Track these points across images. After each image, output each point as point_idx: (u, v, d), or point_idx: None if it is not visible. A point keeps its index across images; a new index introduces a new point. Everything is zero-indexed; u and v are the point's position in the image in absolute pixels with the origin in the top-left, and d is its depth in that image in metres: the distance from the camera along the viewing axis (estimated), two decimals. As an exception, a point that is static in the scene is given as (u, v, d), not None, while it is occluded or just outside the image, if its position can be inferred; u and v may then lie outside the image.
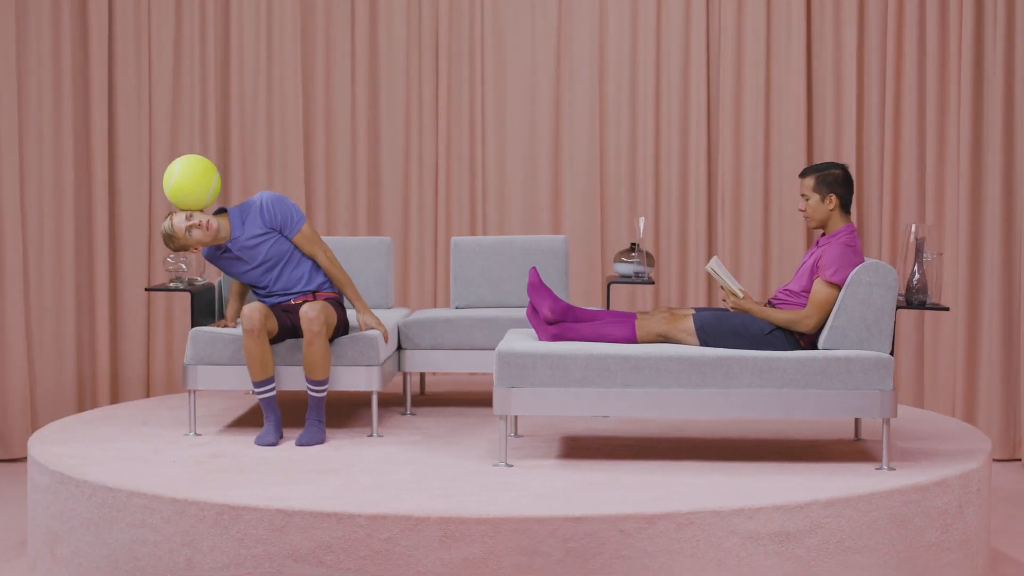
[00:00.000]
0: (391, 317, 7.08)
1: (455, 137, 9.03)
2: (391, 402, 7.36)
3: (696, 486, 5.41)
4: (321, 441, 6.21)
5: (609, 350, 5.77)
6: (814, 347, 5.91)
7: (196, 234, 6.30)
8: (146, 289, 6.76)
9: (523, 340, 5.98)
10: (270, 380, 6.26)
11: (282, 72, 8.94)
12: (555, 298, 6.05)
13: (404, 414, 7.01)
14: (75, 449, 6.07)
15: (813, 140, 8.89)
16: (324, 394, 6.28)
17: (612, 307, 7.54)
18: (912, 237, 6.08)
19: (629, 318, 6.01)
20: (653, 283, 7.22)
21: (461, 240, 7.54)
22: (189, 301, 8.52)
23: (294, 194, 8.93)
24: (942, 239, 8.63)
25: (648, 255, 7.21)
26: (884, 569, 5.29)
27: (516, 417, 6.45)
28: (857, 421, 6.42)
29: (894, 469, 5.71)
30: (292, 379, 6.39)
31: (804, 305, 5.93)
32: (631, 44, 8.97)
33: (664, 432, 6.56)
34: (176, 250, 6.39)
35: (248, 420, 6.80)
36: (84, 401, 8.78)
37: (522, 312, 7.10)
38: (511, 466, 5.79)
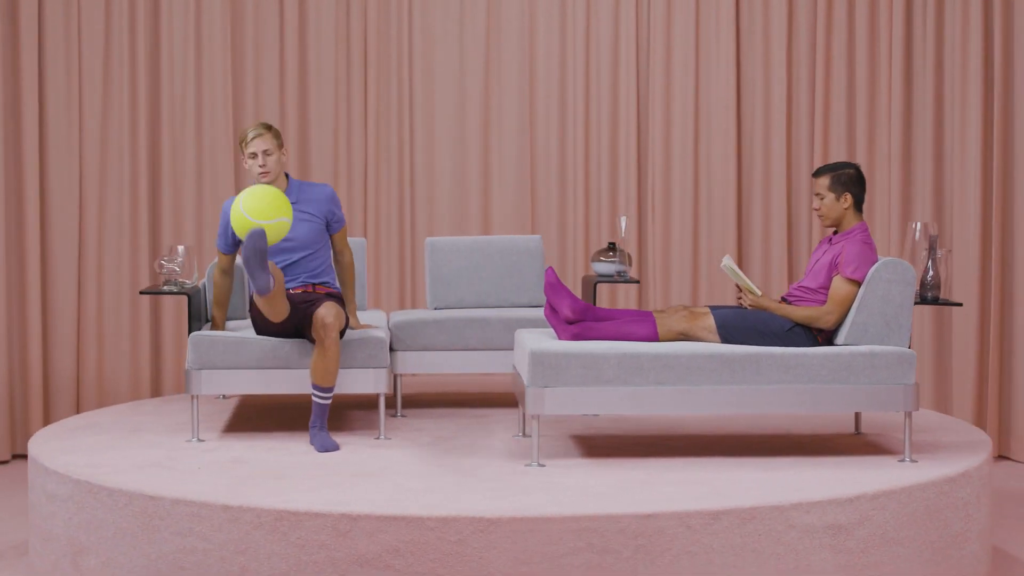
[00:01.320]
0: (374, 319, 7.03)
1: (383, 139, 8.98)
2: (368, 404, 7.29)
3: (742, 481, 5.48)
4: (337, 447, 6.12)
5: (641, 349, 5.82)
6: (830, 343, 6.04)
7: (251, 164, 6.39)
8: (141, 292, 6.60)
9: (548, 340, 5.98)
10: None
11: (211, 78, 8.81)
12: (574, 297, 6.07)
13: (395, 416, 6.97)
14: (87, 458, 5.90)
15: (742, 141, 9.04)
16: (329, 402, 6.20)
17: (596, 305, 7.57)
18: (917, 235, 6.24)
19: (647, 317, 6.06)
20: (638, 282, 7.29)
21: (437, 241, 7.51)
22: (134, 306, 8.42)
23: (225, 197, 8.79)
24: (875, 241, 8.84)
25: (628, 255, 7.27)
26: (920, 559, 5.42)
27: (525, 417, 6.46)
28: (857, 415, 6.55)
29: (916, 461, 5.85)
30: (297, 383, 6.31)
31: (821, 302, 6.04)
32: (560, 48, 9.01)
33: (666, 430, 6.63)
34: (240, 139, 6.46)
35: (242, 424, 6.70)
36: (15, 410, 8.53)
37: (516, 312, 7.10)
38: (543, 466, 5.79)
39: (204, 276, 7.01)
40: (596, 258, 7.31)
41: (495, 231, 8.95)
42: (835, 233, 6.17)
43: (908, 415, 5.89)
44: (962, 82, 8.54)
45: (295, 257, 6.45)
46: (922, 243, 6.19)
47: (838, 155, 8.88)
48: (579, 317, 6.06)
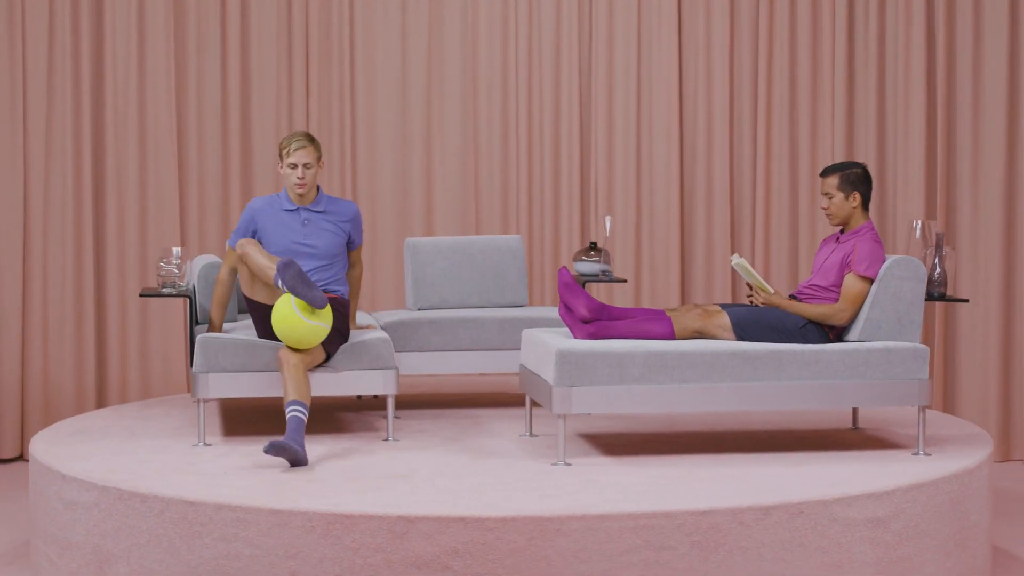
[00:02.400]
0: (364, 320, 6.97)
1: (324, 139, 8.91)
2: (354, 406, 7.24)
3: (782, 477, 5.56)
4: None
5: (666, 347, 5.87)
6: (840, 340, 6.14)
7: (288, 173, 6.44)
8: (141, 295, 6.45)
9: (568, 339, 6.00)
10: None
11: (155, 79, 8.71)
12: (589, 297, 6.10)
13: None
14: (103, 464, 5.77)
15: (684, 142, 9.11)
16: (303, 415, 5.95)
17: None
18: (917, 233, 6.37)
19: (661, 315, 6.11)
20: (625, 281, 7.34)
21: (417, 241, 7.47)
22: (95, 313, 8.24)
23: (168, 198, 8.70)
24: (815, 239, 8.99)
25: (609, 254, 7.32)
26: (946, 551, 5.54)
27: (532, 417, 6.47)
28: (855, 411, 6.68)
29: (930, 455, 5.99)
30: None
31: (833, 299, 6.15)
32: (502, 48, 9.01)
33: (665, 428, 6.68)
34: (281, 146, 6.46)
35: (240, 428, 6.60)
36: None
37: (510, 312, 7.11)
38: (569, 464, 5.81)
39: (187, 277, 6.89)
40: (578, 257, 7.35)
41: (437, 232, 8.92)
42: (842, 232, 6.28)
43: (922, 409, 6.02)
44: (905, 83, 8.76)
45: (314, 264, 6.45)
46: (922, 241, 6.33)
47: (780, 157, 9.01)
48: (595, 316, 6.09)
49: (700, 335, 6.10)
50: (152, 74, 8.71)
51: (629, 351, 5.83)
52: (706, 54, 9.05)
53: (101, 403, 8.70)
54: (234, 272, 6.53)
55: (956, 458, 5.87)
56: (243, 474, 5.63)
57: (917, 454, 6.01)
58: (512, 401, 7.38)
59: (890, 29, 8.88)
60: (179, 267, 6.42)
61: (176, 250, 6.43)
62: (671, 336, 6.05)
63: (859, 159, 8.92)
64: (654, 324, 6.06)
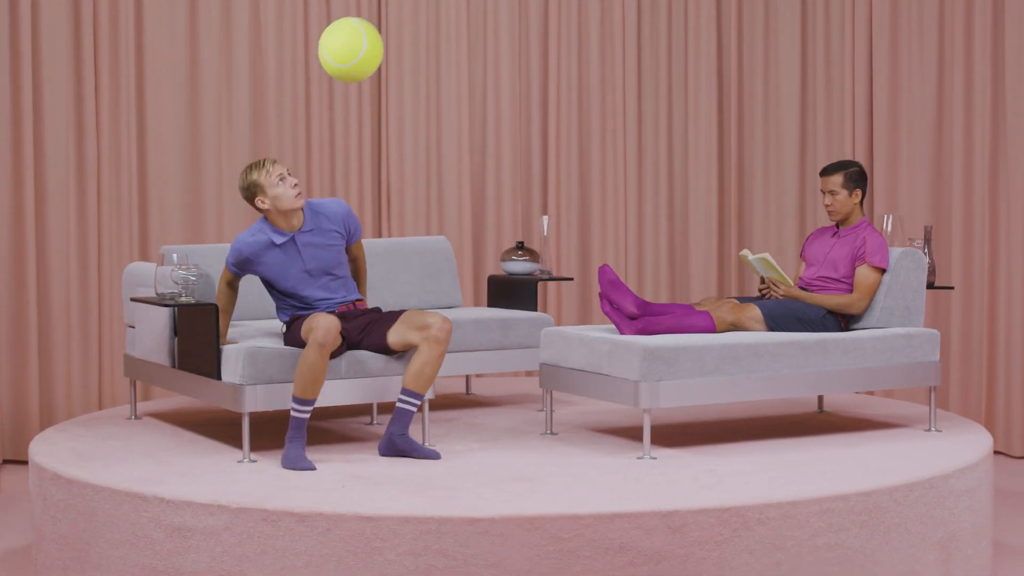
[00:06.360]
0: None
1: (114, 146, 8.48)
2: (335, 414, 6.95)
3: (873, 457, 5.85)
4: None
5: (736, 339, 6.04)
6: (849, 328, 6.50)
7: (280, 188, 5.92)
8: (164, 304, 5.91)
9: (626, 335, 6.05)
10: (314, 401, 5.80)
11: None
12: (633, 293, 6.18)
13: (369, 424, 6.68)
14: (191, 485, 5.33)
15: (473, 136, 9.19)
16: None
17: (489, 304, 7.55)
18: (889, 228, 6.80)
19: (694, 309, 6.27)
20: (572, 279, 7.40)
21: (352, 244, 7.23)
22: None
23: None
24: (605, 238, 9.30)
25: (538, 253, 7.35)
26: (990, 519, 6.01)
27: (553, 411, 6.46)
28: (820, 397, 7.05)
29: (940, 431, 6.44)
30: (352, 394, 5.98)
31: (844, 290, 6.49)
32: (291, 43, 8.87)
33: (663, 421, 6.79)
34: (244, 188, 5.95)
35: (256, 443, 6.21)
36: None
37: (486, 312, 7.02)
38: (655, 459, 5.86)
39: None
40: (506, 258, 7.32)
41: (227, 239, 8.63)
42: (838, 226, 6.62)
43: (934, 389, 6.46)
44: (695, 80, 9.27)
45: (320, 281, 6.06)
46: (896, 234, 6.77)
47: (569, 152, 9.25)
48: (641, 312, 6.17)
49: (734, 327, 6.30)
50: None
51: (707, 345, 5.96)
52: (495, 53, 9.17)
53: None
54: (231, 286, 6.13)
55: (972, 433, 6.35)
56: (357, 486, 5.34)
57: (929, 431, 6.44)
58: (490, 402, 7.39)
59: (677, 26, 9.34)
60: (195, 273, 5.95)
61: (175, 256, 5.95)
62: (712, 329, 6.22)
63: (649, 156, 9.29)
64: (695, 318, 6.21)
